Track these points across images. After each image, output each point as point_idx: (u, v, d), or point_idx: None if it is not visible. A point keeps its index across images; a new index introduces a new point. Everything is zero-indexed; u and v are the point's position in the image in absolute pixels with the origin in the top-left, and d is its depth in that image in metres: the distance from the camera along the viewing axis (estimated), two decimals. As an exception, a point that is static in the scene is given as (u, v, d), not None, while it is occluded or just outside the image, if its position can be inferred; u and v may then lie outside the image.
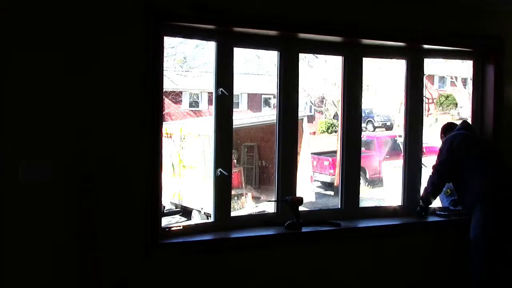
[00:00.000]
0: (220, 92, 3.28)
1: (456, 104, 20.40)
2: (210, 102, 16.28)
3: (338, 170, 10.15)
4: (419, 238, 3.70)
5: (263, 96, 20.26)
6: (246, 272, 3.21)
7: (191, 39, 3.35)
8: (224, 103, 3.33)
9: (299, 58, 3.57)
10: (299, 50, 3.52)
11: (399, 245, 3.63)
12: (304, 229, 3.40)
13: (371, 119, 18.81)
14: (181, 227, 3.26)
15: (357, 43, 3.64)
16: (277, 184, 3.60)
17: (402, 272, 3.64)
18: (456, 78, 20.55)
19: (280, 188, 3.58)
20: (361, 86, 3.75)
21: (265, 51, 3.71)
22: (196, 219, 9.27)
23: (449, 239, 3.76)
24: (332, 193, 11.00)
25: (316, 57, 14.42)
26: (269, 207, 6.81)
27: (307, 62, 13.90)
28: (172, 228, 3.20)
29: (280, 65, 3.50)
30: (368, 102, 16.84)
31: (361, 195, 3.91)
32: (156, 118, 2.90)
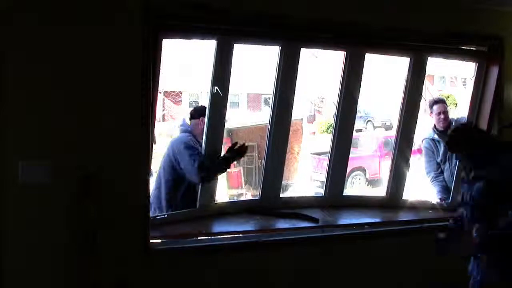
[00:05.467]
0: (215, 90, 3.26)
1: (456, 104, 20.39)
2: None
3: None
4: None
5: (263, 96, 20.24)
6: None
7: (191, 39, 3.33)
8: (217, 103, 3.33)
9: (302, 55, 3.52)
10: (301, 45, 3.48)
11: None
12: (280, 225, 3.46)
13: (371, 119, 18.80)
14: (165, 216, 3.32)
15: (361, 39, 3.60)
16: (263, 182, 3.67)
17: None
18: (456, 78, 20.55)
19: (265, 186, 3.66)
20: (360, 83, 3.75)
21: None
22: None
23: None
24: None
25: (316, 57, 14.39)
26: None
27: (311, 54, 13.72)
28: (157, 217, 3.27)
29: (280, 61, 3.47)
30: (368, 102, 16.84)
31: (360, 193, 3.96)
32: (151, 118, 2.91)
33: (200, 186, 3.48)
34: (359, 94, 3.80)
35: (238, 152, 3.53)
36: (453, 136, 2.88)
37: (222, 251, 3.15)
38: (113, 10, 2.77)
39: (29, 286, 2.72)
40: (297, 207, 3.72)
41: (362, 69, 3.72)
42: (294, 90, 3.58)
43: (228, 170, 3.50)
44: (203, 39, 3.29)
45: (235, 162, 3.46)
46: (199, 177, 3.39)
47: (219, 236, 3.31)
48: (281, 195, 3.83)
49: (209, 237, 3.31)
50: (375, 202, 4.06)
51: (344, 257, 3.47)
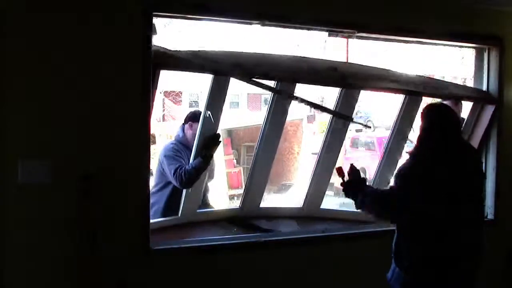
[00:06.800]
0: (207, 115, 3.35)
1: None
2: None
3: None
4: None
5: (263, 96, 20.25)
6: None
7: (186, 71, 3.35)
8: (209, 127, 3.42)
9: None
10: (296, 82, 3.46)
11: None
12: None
13: (370, 120, 18.83)
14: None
15: (356, 76, 3.53)
16: (245, 192, 3.77)
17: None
18: (456, 78, 20.56)
19: (247, 196, 3.76)
20: (352, 113, 3.78)
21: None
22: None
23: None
24: (332, 193, 11.00)
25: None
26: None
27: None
28: None
29: (273, 102, 3.54)
30: (368, 102, 16.86)
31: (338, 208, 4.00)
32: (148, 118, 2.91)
33: (184, 193, 3.57)
34: (346, 132, 3.85)
35: (211, 143, 3.48)
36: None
37: (222, 251, 3.15)
38: (113, 10, 2.77)
39: (29, 286, 2.72)
40: (275, 218, 3.83)
41: (356, 104, 3.76)
42: (289, 104, 3.62)
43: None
44: (199, 72, 3.33)
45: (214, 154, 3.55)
46: (179, 184, 3.53)
47: (218, 236, 3.34)
48: (261, 205, 3.91)
49: (209, 237, 3.32)
50: (352, 216, 4.02)
51: (344, 257, 3.47)
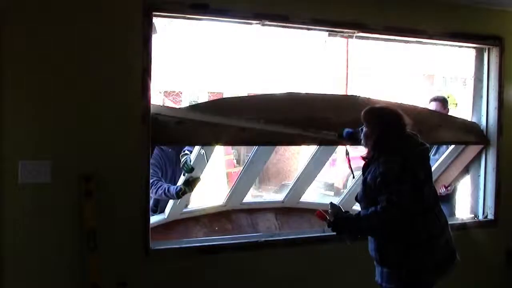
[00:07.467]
0: (202, 152, 3.41)
1: (456, 104, 20.38)
2: (210, 102, 15.88)
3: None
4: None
5: (263, 96, 20.24)
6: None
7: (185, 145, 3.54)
8: (199, 162, 3.48)
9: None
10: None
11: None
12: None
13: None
14: None
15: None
16: (232, 189, 3.90)
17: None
18: (456, 78, 20.58)
19: (233, 192, 3.89)
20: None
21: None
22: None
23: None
24: (332, 193, 11.01)
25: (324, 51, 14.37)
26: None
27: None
28: None
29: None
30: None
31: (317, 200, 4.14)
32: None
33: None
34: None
35: (191, 184, 3.56)
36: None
37: (222, 251, 3.16)
38: (113, 9, 2.77)
39: (29, 286, 2.72)
40: (256, 212, 3.98)
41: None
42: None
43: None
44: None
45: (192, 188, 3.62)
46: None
47: (218, 236, 3.35)
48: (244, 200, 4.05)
49: (209, 237, 3.33)
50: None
51: (344, 256, 3.47)
